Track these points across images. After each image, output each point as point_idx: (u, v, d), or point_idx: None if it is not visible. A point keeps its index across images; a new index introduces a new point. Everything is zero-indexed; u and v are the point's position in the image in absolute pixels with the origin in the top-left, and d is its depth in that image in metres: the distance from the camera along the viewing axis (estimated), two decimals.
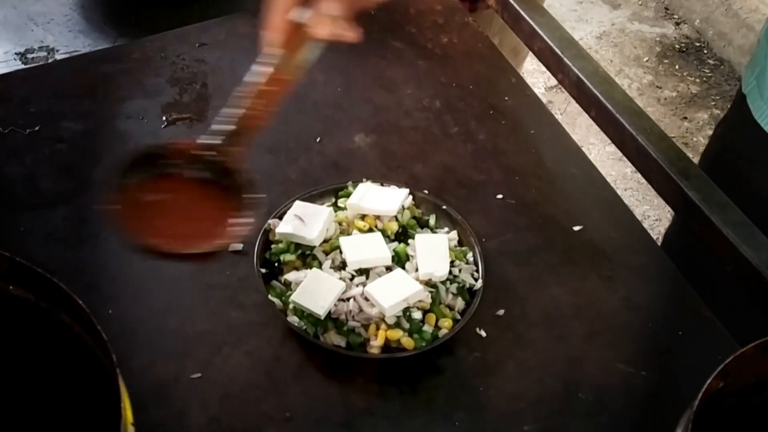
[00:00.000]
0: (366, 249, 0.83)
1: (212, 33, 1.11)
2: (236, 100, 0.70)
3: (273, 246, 0.84)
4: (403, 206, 0.88)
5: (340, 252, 0.83)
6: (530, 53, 1.13)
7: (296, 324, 0.78)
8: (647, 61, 2.71)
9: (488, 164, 0.99)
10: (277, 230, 0.84)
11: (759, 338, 0.55)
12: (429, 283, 0.82)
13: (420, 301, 0.80)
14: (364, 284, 0.80)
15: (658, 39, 2.80)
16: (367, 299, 0.79)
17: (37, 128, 0.96)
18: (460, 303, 0.82)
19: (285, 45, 0.68)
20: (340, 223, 0.86)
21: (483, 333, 0.82)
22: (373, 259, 0.82)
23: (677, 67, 2.70)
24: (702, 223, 0.87)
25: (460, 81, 1.10)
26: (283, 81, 0.70)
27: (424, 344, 0.78)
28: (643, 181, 0.97)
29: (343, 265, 0.82)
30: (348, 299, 0.79)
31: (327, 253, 0.84)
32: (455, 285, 0.82)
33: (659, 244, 0.95)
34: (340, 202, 0.89)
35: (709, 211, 0.87)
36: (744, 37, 2.62)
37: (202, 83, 1.04)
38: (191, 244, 0.69)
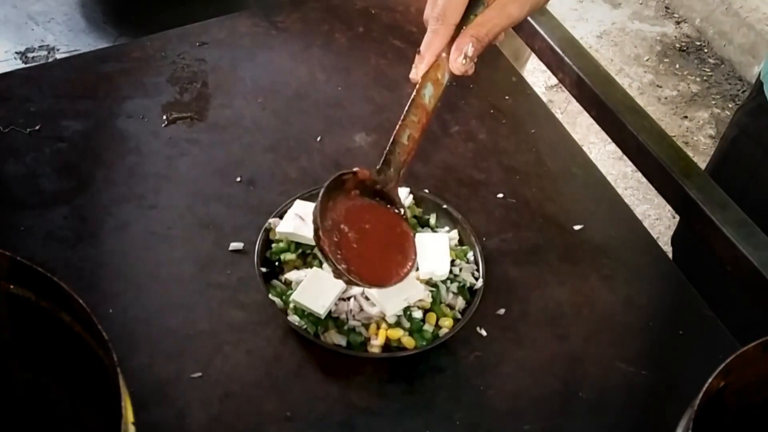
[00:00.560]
0: None
1: (212, 32, 1.11)
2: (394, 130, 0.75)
3: (273, 245, 0.84)
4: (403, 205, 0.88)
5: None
6: (531, 57, 1.13)
7: (297, 323, 0.78)
8: (647, 60, 2.71)
9: (489, 163, 0.99)
10: (278, 229, 0.84)
11: (759, 337, 0.55)
12: (429, 283, 0.82)
13: (420, 300, 0.80)
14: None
15: (658, 38, 2.80)
16: (367, 298, 0.79)
17: (37, 127, 0.96)
18: (460, 302, 0.82)
19: (428, 77, 0.73)
20: None
21: (483, 332, 0.82)
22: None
23: (678, 66, 2.70)
24: (702, 223, 0.87)
25: (461, 80, 1.08)
26: (426, 110, 0.74)
27: (424, 343, 0.78)
28: (644, 180, 0.97)
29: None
30: (348, 298, 0.79)
31: None
32: (456, 284, 0.82)
33: (660, 243, 0.95)
34: None
35: (709, 210, 0.87)
36: (744, 36, 2.61)
37: (202, 82, 1.04)
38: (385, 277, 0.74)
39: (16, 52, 1.09)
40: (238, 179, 0.93)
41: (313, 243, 0.82)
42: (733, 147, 1.13)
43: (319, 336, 0.78)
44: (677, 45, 2.78)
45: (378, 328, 0.78)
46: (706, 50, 2.76)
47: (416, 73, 0.73)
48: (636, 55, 2.72)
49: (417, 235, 0.85)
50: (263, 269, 0.82)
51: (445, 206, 0.90)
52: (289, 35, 1.13)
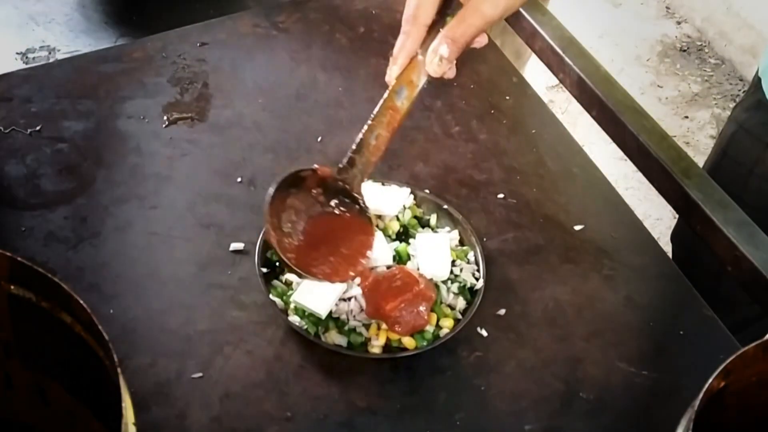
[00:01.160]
0: None
1: (213, 32, 1.11)
2: (362, 129, 0.74)
3: None
4: (404, 206, 0.88)
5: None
6: (532, 56, 1.13)
7: (297, 324, 0.78)
8: (648, 60, 2.71)
9: (489, 164, 0.99)
10: None
11: (760, 337, 0.55)
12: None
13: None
14: (365, 281, 0.80)
15: (659, 38, 2.80)
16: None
17: (38, 128, 0.96)
18: (461, 302, 0.82)
19: (402, 78, 0.72)
20: None
21: (484, 332, 0.82)
22: (374, 258, 0.82)
23: (678, 66, 2.69)
24: (703, 223, 0.87)
25: (461, 80, 1.09)
26: (398, 112, 0.73)
27: (425, 344, 0.78)
28: (645, 180, 0.97)
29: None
30: (349, 299, 0.80)
31: None
32: (456, 284, 0.82)
33: (660, 243, 0.95)
34: None
35: (710, 210, 0.87)
36: (745, 37, 2.61)
37: (203, 83, 1.04)
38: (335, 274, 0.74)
39: (17, 53, 1.09)
40: (239, 179, 0.93)
41: None
42: (732, 143, 1.13)
43: (320, 336, 0.78)
44: (678, 45, 2.78)
45: (378, 328, 0.78)
46: (706, 50, 2.76)
47: (390, 75, 0.72)
48: (637, 55, 2.72)
49: (418, 235, 0.86)
50: (264, 269, 0.82)
51: (445, 206, 0.90)
52: (289, 36, 1.13)
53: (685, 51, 2.76)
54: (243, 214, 0.89)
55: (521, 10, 1.10)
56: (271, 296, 0.79)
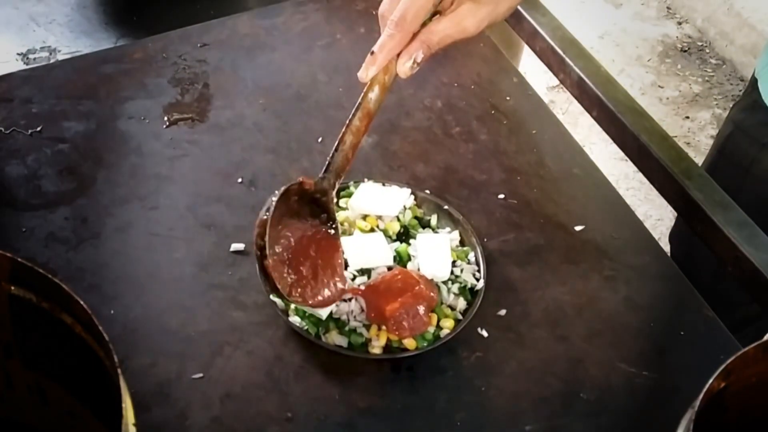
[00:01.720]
0: (367, 249, 0.83)
1: (214, 33, 1.11)
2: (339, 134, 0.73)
3: None
4: (404, 206, 0.88)
5: (342, 252, 0.83)
6: (525, 48, 1.13)
7: (298, 324, 0.78)
8: (649, 60, 2.71)
9: (490, 164, 0.99)
10: None
11: (758, 338, 0.55)
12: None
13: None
14: (365, 284, 0.80)
15: (660, 38, 2.80)
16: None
17: (38, 129, 0.96)
18: (461, 303, 0.82)
19: (375, 79, 0.71)
20: (341, 224, 0.86)
21: (484, 333, 0.82)
22: (375, 259, 0.82)
23: (679, 66, 2.69)
24: (704, 223, 0.87)
25: (462, 81, 1.10)
26: (370, 115, 0.72)
27: (425, 344, 0.78)
28: (645, 180, 0.97)
29: (345, 266, 0.82)
30: (350, 299, 0.80)
31: None
32: (457, 285, 0.82)
33: (661, 244, 0.95)
34: (342, 202, 0.89)
35: (710, 211, 0.87)
36: (746, 37, 2.61)
37: (203, 83, 1.04)
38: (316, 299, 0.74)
39: (18, 54, 1.09)
40: (240, 180, 0.93)
41: None
42: (728, 143, 1.13)
43: (320, 337, 0.78)
44: (679, 45, 2.78)
45: (379, 329, 0.78)
46: (707, 51, 2.76)
47: (366, 74, 0.71)
48: (637, 56, 2.72)
49: (418, 236, 0.86)
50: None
51: (446, 207, 0.90)
52: (290, 36, 1.13)
53: (686, 51, 2.76)
54: (243, 215, 0.89)
55: (521, 10, 1.10)
56: (271, 297, 0.79)
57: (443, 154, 0.99)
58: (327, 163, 0.73)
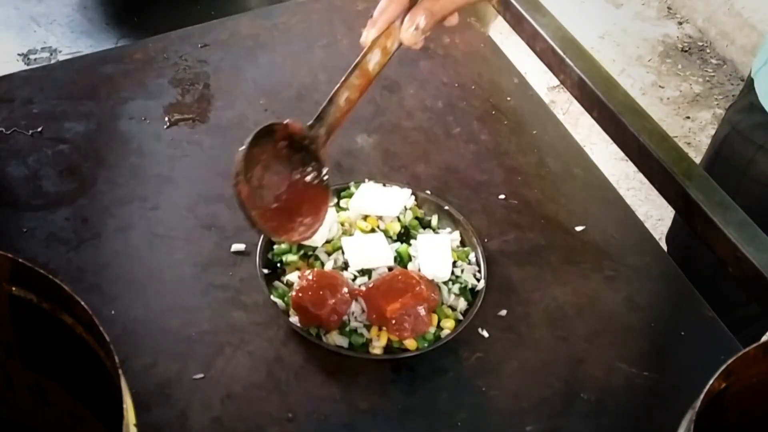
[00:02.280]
0: (368, 250, 0.83)
1: (214, 34, 1.11)
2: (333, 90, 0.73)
3: (275, 246, 0.84)
4: (405, 207, 0.88)
5: (343, 253, 0.83)
6: (526, 47, 1.12)
7: (298, 324, 0.78)
8: (650, 60, 2.71)
9: (490, 164, 0.99)
10: None
11: (756, 339, 0.55)
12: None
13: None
14: (366, 285, 0.80)
15: (660, 39, 2.80)
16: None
17: (39, 129, 0.96)
18: (462, 303, 0.82)
19: (377, 43, 0.72)
20: (342, 224, 0.86)
21: (485, 333, 0.82)
22: (376, 259, 0.82)
23: (680, 66, 2.69)
24: (704, 224, 0.87)
25: (462, 81, 1.10)
26: (368, 76, 0.74)
27: (426, 345, 0.78)
28: (646, 181, 0.97)
29: (345, 266, 0.82)
30: (351, 300, 0.79)
31: (329, 254, 0.84)
32: (457, 285, 0.82)
33: (661, 244, 0.95)
34: (343, 203, 0.89)
35: (711, 211, 0.87)
36: (747, 37, 2.61)
37: (204, 84, 1.04)
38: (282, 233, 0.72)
39: (19, 54, 1.09)
40: None
41: (314, 245, 0.83)
42: (725, 145, 1.13)
43: (321, 337, 0.78)
44: (679, 45, 2.77)
45: (380, 329, 0.78)
46: (708, 51, 2.76)
47: (366, 37, 0.72)
48: (638, 56, 2.72)
49: (419, 236, 0.86)
50: (265, 270, 0.82)
51: (446, 207, 0.90)
52: (290, 36, 1.13)
53: (686, 51, 2.75)
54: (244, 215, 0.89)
55: (522, 10, 1.10)
56: (272, 297, 0.79)
57: (444, 155, 0.99)
58: (318, 112, 0.73)
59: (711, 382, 0.51)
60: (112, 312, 0.79)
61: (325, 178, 0.74)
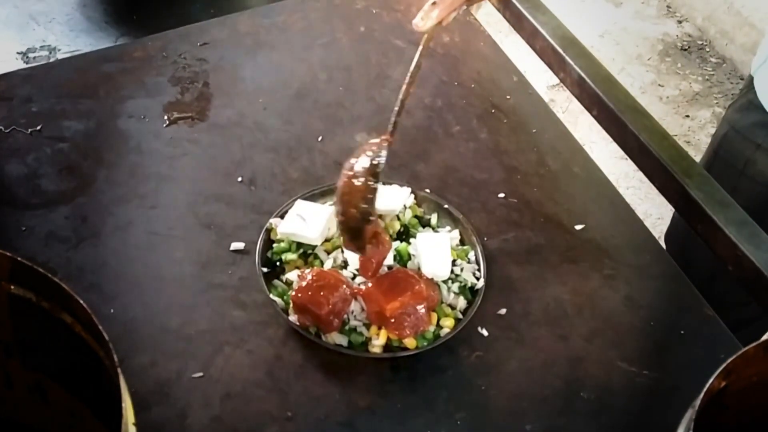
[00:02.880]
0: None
1: (214, 32, 1.11)
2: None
3: (274, 245, 0.84)
4: (404, 205, 0.88)
5: (342, 251, 0.83)
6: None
7: (298, 323, 0.78)
8: (649, 59, 2.70)
9: (490, 163, 0.99)
10: (279, 229, 0.84)
11: (755, 338, 0.55)
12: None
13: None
14: (365, 283, 0.80)
15: (660, 37, 2.80)
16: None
17: (38, 127, 0.96)
18: (461, 302, 0.82)
19: (431, 33, 0.72)
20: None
21: (485, 332, 0.81)
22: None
23: (679, 65, 2.69)
24: (704, 222, 0.87)
25: (462, 80, 1.09)
26: (415, 76, 0.73)
27: (425, 343, 0.78)
28: (645, 179, 0.97)
29: (344, 265, 0.82)
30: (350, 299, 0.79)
31: (329, 252, 0.84)
32: (457, 284, 0.82)
33: (661, 243, 0.94)
34: None
35: (711, 210, 0.87)
36: (746, 35, 2.61)
37: (203, 82, 1.04)
38: None
39: (18, 52, 1.09)
40: (240, 179, 0.93)
41: (313, 243, 0.83)
42: (723, 144, 1.13)
43: (321, 336, 0.78)
44: (679, 44, 2.77)
45: (379, 328, 0.78)
46: (707, 49, 2.76)
47: (424, 23, 0.70)
48: (638, 55, 2.72)
49: (418, 235, 0.86)
50: (264, 269, 0.82)
51: (446, 206, 0.89)
52: (290, 35, 1.13)
53: (686, 50, 2.75)
54: (243, 214, 0.89)
55: (522, 9, 1.10)
56: (271, 296, 0.79)
57: (443, 153, 0.99)
58: (393, 122, 0.74)
59: (711, 380, 0.51)
60: (112, 311, 0.79)
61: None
